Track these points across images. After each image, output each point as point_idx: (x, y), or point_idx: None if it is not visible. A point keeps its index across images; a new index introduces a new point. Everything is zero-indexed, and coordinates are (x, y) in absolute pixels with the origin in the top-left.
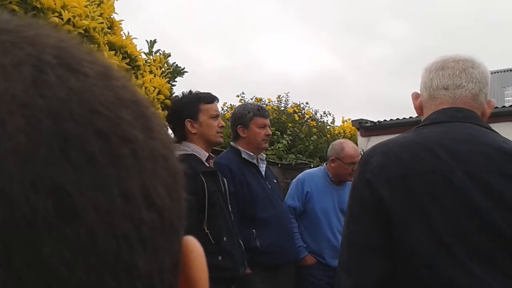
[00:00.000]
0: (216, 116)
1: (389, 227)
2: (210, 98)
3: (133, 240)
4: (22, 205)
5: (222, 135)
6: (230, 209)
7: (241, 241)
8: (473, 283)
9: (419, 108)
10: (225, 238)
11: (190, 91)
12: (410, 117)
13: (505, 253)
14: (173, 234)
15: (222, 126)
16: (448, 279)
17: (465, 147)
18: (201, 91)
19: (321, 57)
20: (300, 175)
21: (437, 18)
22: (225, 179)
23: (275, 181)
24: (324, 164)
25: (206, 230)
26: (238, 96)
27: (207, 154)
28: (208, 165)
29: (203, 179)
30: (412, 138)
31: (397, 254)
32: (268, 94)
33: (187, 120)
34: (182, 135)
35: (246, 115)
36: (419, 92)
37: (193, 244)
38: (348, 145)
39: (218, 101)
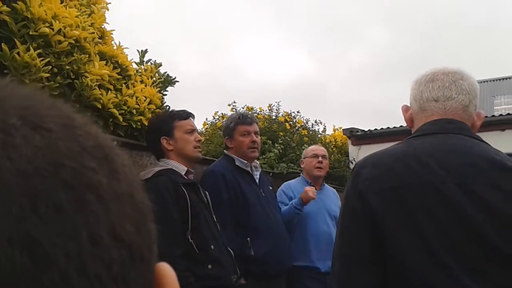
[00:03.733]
0: (191, 131)
1: (380, 239)
2: (185, 115)
3: (105, 278)
4: (1, 259)
5: (200, 149)
6: (215, 219)
7: (230, 250)
8: None
9: (410, 120)
10: (212, 246)
11: (166, 110)
12: (401, 126)
13: (497, 265)
14: (144, 266)
15: (199, 141)
16: None
17: (457, 159)
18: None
19: (302, 64)
20: (280, 186)
21: (420, 25)
22: (206, 192)
23: (271, 188)
24: (301, 174)
25: (190, 240)
26: (229, 105)
27: (186, 169)
28: (187, 178)
29: (184, 190)
30: (404, 149)
31: (389, 265)
32: (248, 102)
33: (162, 137)
34: (159, 153)
35: (229, 125)
36: (408, 104)
37: (165, 269)
38: (312, 146)
39: (194, 117)
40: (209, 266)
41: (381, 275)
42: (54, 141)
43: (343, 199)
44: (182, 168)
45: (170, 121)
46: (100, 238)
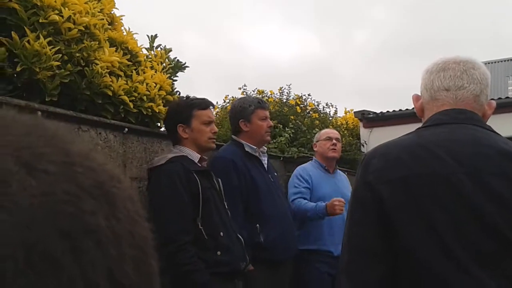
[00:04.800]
0: (209, 123)
1: (390, 230)
2: (204, 104)
3: None
4: None
5: (214, 140)
6: (226, 206)
7: (240, 236)
8: (475, 287)
9: (420, 110)
10: (221, 233)
11: (187, 96)
12: (413, 108)
13: (509, 257)
14: None
15: (215, 132)
16: (449, 283)
17: (467, 149)
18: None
19: (307, 47)
20: (295, 171)
21: (435, 5)
22: (219, 180)
23: (276, 174)
24: (314, 158)
25: (200, 227)
26: (240, 88)
27: (199, 156)
28: (200, 165)
29: (195, 177)
30: (414, 139)
31: (398, 257)
32: (255, 84)
33: (179, 125)
34: (175, 139)
35: (247, 108)
36: (419, 93)
37: None
38: (326, 129)
39: (213, 107)
40: (218, 253)
41: (389, 267)
42: (51, 186)
43: (353, 190)
44: (195, 156)
45: (189, 109)
46: (97, 286)
